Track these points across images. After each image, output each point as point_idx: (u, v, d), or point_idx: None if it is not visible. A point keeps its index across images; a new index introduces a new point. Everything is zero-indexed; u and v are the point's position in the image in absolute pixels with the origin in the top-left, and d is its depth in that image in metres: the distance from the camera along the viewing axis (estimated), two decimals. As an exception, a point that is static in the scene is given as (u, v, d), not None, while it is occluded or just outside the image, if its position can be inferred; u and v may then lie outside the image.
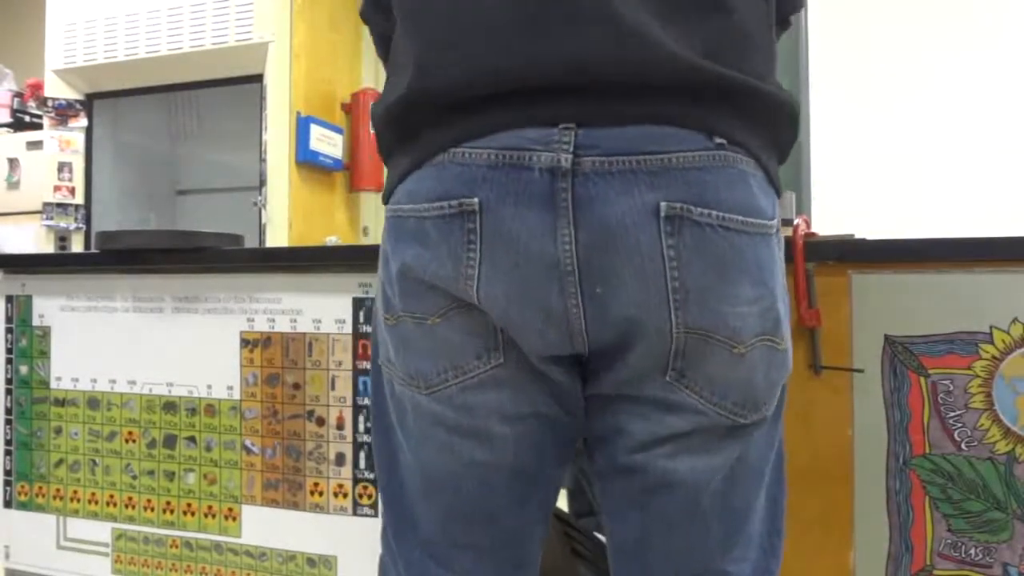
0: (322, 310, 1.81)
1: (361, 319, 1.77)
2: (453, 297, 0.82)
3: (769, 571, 0.94)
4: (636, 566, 0.89)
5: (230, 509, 1.88)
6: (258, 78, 3.62)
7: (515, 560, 0.94)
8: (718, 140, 0.76)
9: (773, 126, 0.82)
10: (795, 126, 0.84)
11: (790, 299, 0.89)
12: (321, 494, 1.80)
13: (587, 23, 0.77)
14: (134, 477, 1.98)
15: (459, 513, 0.90)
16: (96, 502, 2.01)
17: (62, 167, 3.89)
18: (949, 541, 1.26)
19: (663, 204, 0.74)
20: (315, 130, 3.72)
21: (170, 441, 1.95)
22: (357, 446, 1.77)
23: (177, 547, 1.93)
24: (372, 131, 0.95)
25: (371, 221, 4.30)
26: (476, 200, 0.78)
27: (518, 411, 0.85)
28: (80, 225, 3.92)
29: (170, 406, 1.95)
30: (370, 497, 1.76)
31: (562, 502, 1.67)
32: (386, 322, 0.90)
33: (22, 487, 2.09)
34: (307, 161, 3.68)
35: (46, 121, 3.94)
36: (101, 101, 4.02)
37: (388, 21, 0.94)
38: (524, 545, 0.94)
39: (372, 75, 4.30)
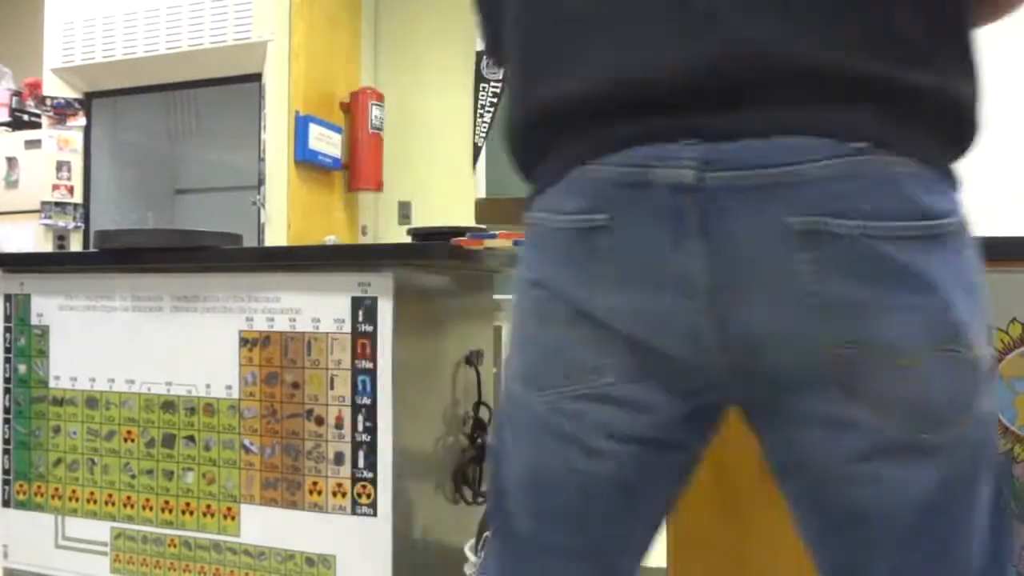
0: (321, 309, 1.81)
1: (360, 318, 1.77)
2: (579, 310, 0.82)
3: None
4: None
5: (229, 508, 1.88)
6: (257, 77, 3.61)
7: (608, 571, 0.91)
8: (857, 145, 0.71)
9: (935, 120, 0.74)
10: (963, 115, 0.76)
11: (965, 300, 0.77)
12: (320, 493, 1.80)
13: (706, 30, 0.74)
14: (133, 476, 1.97)
15: (556, 515, 0.89)
16: (95, 501, 2.01)
17: (60, 166, 3.88)
18: (948, 541, 1.26)
19: (794, 220, 0.71)
20: (314, 129, 3.72)
21: (169, 440, 1.95)
22: (356, 445, 1.77)
23: (176, 546, 1.93)
24: (508, 145, 0.91)
25: (370, 220, 4.30)
26: (604, 216, 0.78)
27: (626, 431, 0.84)
28: (79, 224, 3.92)
29: (169, 405, 1.95)
30: (368, 496, 1.76)
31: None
32: (513, 322, 0.92)
33: (20, 486, 2.09)
34: (306, 160, 3.68)
35: (44, 120, 3.94)
36: (100, 100, 4.02)
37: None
38: (619, 557, 0.92)
39: (371, 74, 4.30)
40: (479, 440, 2.15)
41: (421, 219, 4.19)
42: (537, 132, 0.85)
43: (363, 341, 1.76)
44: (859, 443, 0.77)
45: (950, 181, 0.75)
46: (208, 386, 1.91)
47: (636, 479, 0.87)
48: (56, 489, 2.05)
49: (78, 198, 3.95)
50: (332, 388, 1.79)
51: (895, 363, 0.74)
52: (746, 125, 0.73)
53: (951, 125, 0.76)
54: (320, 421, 1.80)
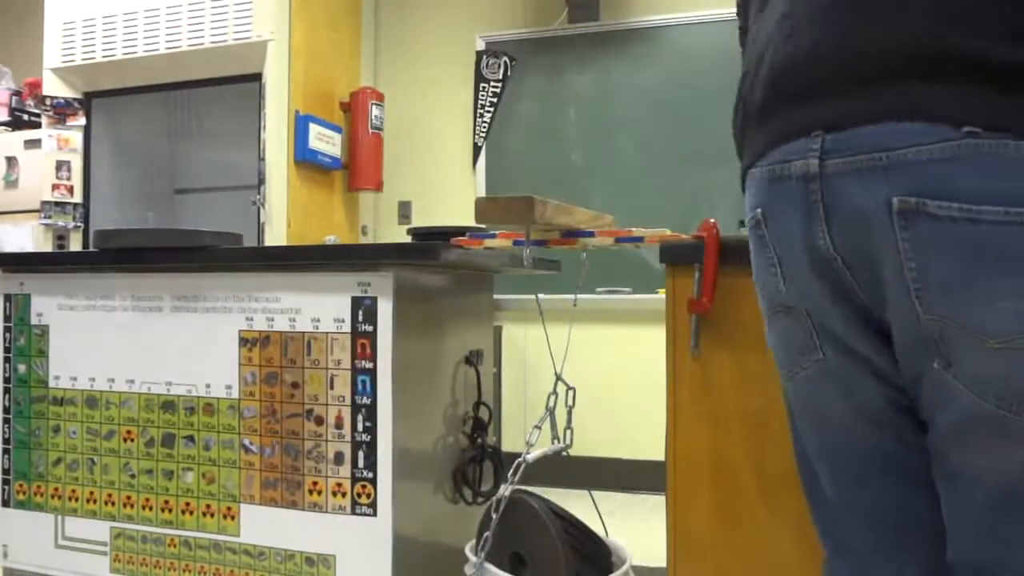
0: (321, 309, 1.80)
1: (360, 318, 1.77)
2: (775, 301, 0.95)
3: None
4: (950, 544, 0.90)
5: (229, 508, 1.88)
6: (257, 77, 3.61)
7: (897, 534, 0.95)
8: (967, 129, 0.72)
9: None
10: None
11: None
12: (320, 493, 1.80)
13: (827, 21, 0.82)
14: (132, 476, 1.97)
15: (850, 483, 0.98)
16: (94, 501, 2.01)
17: (60, 166, 3.88)
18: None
19: (895, 199, 0.76)
20: (314, 129, 3.71)
21: (168, 440, 1.94)
22: (356, 445, 1.77)
23: (176, 546, 1.93)
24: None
25: (370, 220, 4.30)
26: (760, 211, 0.90)
27: (847, 398, 0.92)
28: (78, 224, 3.91)
29: (168, 405, 1.94)
30: (368, 496, 1.76)
31: (561, 501, 1.67)
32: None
33: (20, 486, 2.09)
34: (306, 160, 3.68)
35: (44, 120, 3.93)
36: (99, 100, 4.01)
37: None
38: (902, 519, 0.95)
39: (371, 74, 4.30)
40: (479, 440, 2.15)
41: (421, 219, 4.19)
42: (736, 125, 1.02)
43: (363, 341, 1.76)
44: (956, 416, 0.81)
45: None
46: (208, 386, 1.91)
47: (875, 438, 0.94)
48: (56, 489, 2.05)
49: (78, 198, 3.95)
50: (332, 388, 1.79)
51: (984, 345, 0.76)
52: (863, 111, 0.79)
53: None
54: (320, 421, 1.79)
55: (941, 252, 0.75)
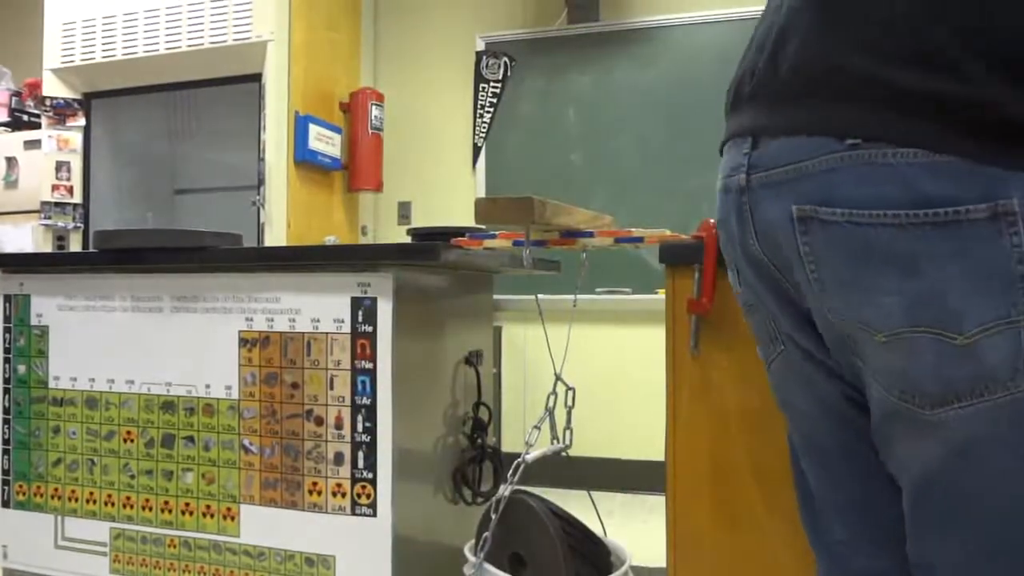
0: (320, 310, 1.80)
1: (359, 319, 1.77)
2: (740, 299, 1.04)
3: None
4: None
5: (228, 508, 1.88)
6: (256, 77, 3.61)
7: (868, 529, 0.98)
8: (850, 142, 0.79)
9: (926, 110, 0.77)
10: (946, 105, 0.76)
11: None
12: (320, 493, 1.80)
13: (763, 40, 0.91)
14: (132, 477, 1.97)
15: (822, 476, 1.02)
16: (94, 502, 2.01)
17: (60, 166, 3.88)
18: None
19: (794, 208, 0.84)
20: (313, 129, 3.71)
21: (168, 440, 1.94)
22: (355, 446, 1.76)
23: (175, 547, 1.93)
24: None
25: (370, 220, 4.29)
26: (719, 219, 0.99)
27: (809, 392, 0.97)
28: (78, 224, 3.91)
29: (168, 405, 1.94)
30: (368, 496, 1.76)
31: (561, 501, 1.67)
32: None
33: (20, 487, 2.09)
34: (305, 160, 3.68)
35: (44, 120, 3.93)
36: (99, 100, 4.01)
37: None
38: (871, 514, 0.98)
39: (370, 74, 4.30)
40: (479, 440, 2.15)
41: (421, 219, 4.19)
42: None
43: (363, 341, 1.76)
44: (876, 409, 0.86)
45: (981, 170, 0.75)
46: (208, 386, 1.91)
47: (834, 433, 0.98)
48: (56, 489, 2.05)
49: (78, 198, 3.95)
50: (332, 388, 1.79)
51: (873, 339, 0.81)
52: (774, 127, 0.87)
53: (965, 116, 0.76)
54: (320, 421, 1.79)
55: (833, 255, 0.82)
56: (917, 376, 0.79)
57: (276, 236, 3.58)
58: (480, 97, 4.07)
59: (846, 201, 0.79)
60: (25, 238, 3.94)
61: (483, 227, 1.73)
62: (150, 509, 1.95)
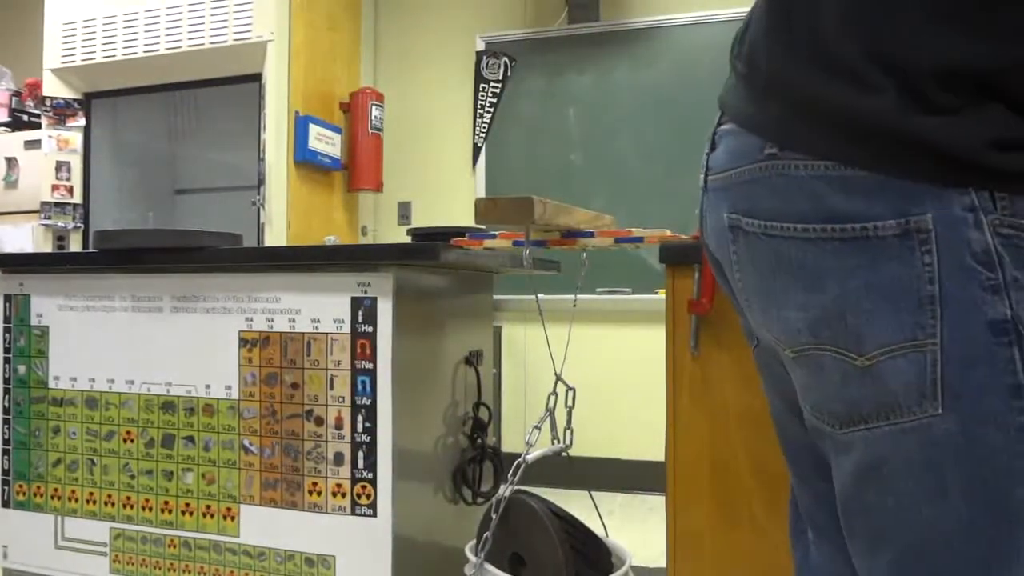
0: (321, 310, 1.80)
1: (359, 319, 1.77)
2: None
3: None
4: None
5: (228, 509, 1.88)
6: (256, 77, 3.61)
7: (834, 530, 0.96)
8: (768, 151, 0.78)
9: (836, 121, 0.75)
10: (864, 120, 0.73)
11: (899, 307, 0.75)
12: (319, 494, 1.80)
13: (755, 45, 0.86)
14: (132, 477, 1.97)
15: (795, 473, 1.02)
16: (94, 502, 2.01)
17: (60, 166, 3.88)
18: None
19: (726, 215, 0.84)
20: (313, 129, 3.71)
21: (168, 441, 1.94)
22: (356, 446, 1.76)
23: (175, 547, 1.93)
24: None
25: (370, 221, 4.29)
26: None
27: (777, 390, 0.97)
28: (78, 224, 3.91)
29: (168, 406, 1.94)
30: (368, 497, 1.76)
31: (561, 501, 1.67)
32: None
33: (20, 487, 2.09)
34: (305, 160, 3.68)
35: (44, 120, 3.93)
36: (99, 100, 4.01)
37: None
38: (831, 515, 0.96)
39: (371, 74, 4.30)
40: (479, 440, 2.15)
41: (421, 219, 4.19)
42: None
43: (363, 341, 1.76)
44: (806, 417, 0.83)
45: (892, 184, 0.72)
46: (208, 386, 1.91)
47: (794, 433, 0.98)
48: (56, 489, 2.05)
49: (78, 198, 3.95)
50: (332, 388, 1.79)
51: (783, 352, 0.81)
52: (721, 133, 0.87)
53: (876, 129, 0.73)
54: (320, 421, 1.79)
55: (753, 265, 0.82)
56: (824, 394, 0.78)
57: (276, 236, 3.58)
58: (480, 97, 4.07)
59: (763, 212, 0.78)
60: (25, 238, 3.94)
61: (483, 227, 1.73)
62: (150, 509, 1.95)
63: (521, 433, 3.36)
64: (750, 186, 0.80)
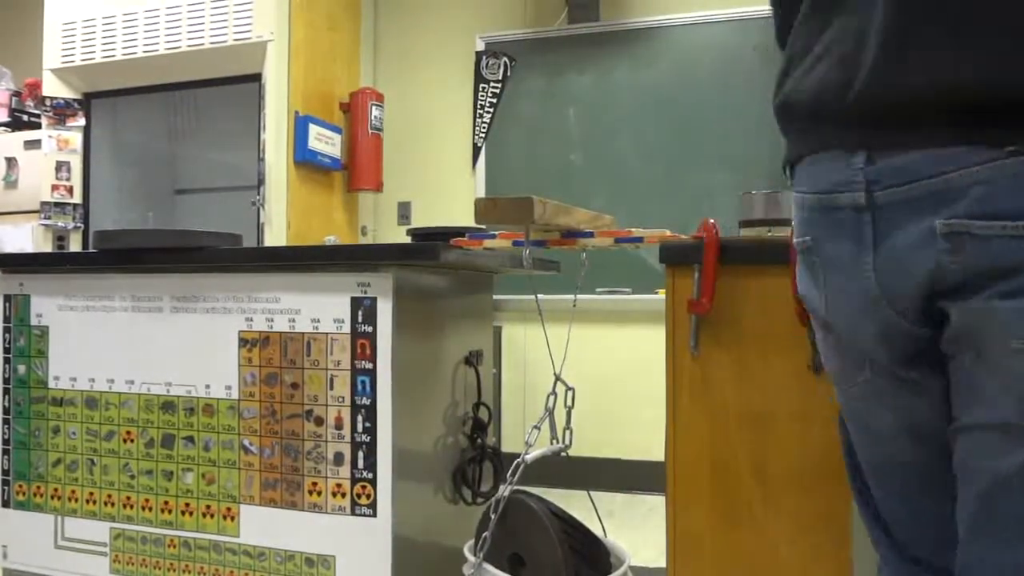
0: (320, 310, 1.80)
1: (359, 319, 1.77)
2: (818, 316, 0.97)
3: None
4: None
5: (228, 509, 1.88)
6: (256, 77, 3.61)
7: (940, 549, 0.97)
8: (1010, 148, 0.76)
9: None
10: None
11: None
12: (319, 494, 1.80)
13: (851, 49, 0.84)
14: (132, 477, 1.97)
15: (886, 492, 1.02)
16: (94, 502, 2.01)
17: (60, 166, 3.88)
18: (948, 541, 1.26)
19: (938, 223, 0.78)
20: (313, 129, 3.71)
21: (168, 441, 1.94)
22: (356, 446, 1.76)
23: (175, 547, 1.93)
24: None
25: (369, 221, 4.29)
26: (809, 239, 0.92)
27: (892, 413, 0.95)
28: (78, 224, 3.91)
29: (168, 406, 1.94)
30: (368, 497, 1.76)
31: (560, 501, 1.67)
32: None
33: (20, 487, 2.09)
34: (305, 160, 3.68)
35: (44, 120, 3.93)
36: (99, 100, 4.01)
37: None
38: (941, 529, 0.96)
39: (371, 74, 4.30)
40: (479, 440, 2.15)
41: (421, 219, 4.19)
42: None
43: (363, 341, 1.76)
44: (982, 407, 0.83)
45: None
46: (208, 386, 1.91)
47: (918, 454, 0.96)
48: (55, 489, 2.05)
49: (78, 198, 3.95)
50: (331, 388, 1.79)
51: (1010, 345, 0.78)
52: (904, 140, 0.81)
53: None
54: (320, 421, 1.79)
55: (984, 268, 0.78)
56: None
57: (276, 236, 3.58)
58: (480, 97, 4.07)
59: (1008, 212, 0.75)
60: (25, 238, 3.94)
61: (483, 227, 1.73)
62: (150, 509, 1.95)
63: (521, 433, 3.36)
64: (985, 187, 0.77)
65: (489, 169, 4.08)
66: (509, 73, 4.03)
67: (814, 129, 0.90)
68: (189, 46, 3.65)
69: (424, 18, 4.26)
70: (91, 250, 2.33)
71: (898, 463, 0.98)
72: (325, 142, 3.82)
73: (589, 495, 1.82)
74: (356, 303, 1.77)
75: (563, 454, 1.75)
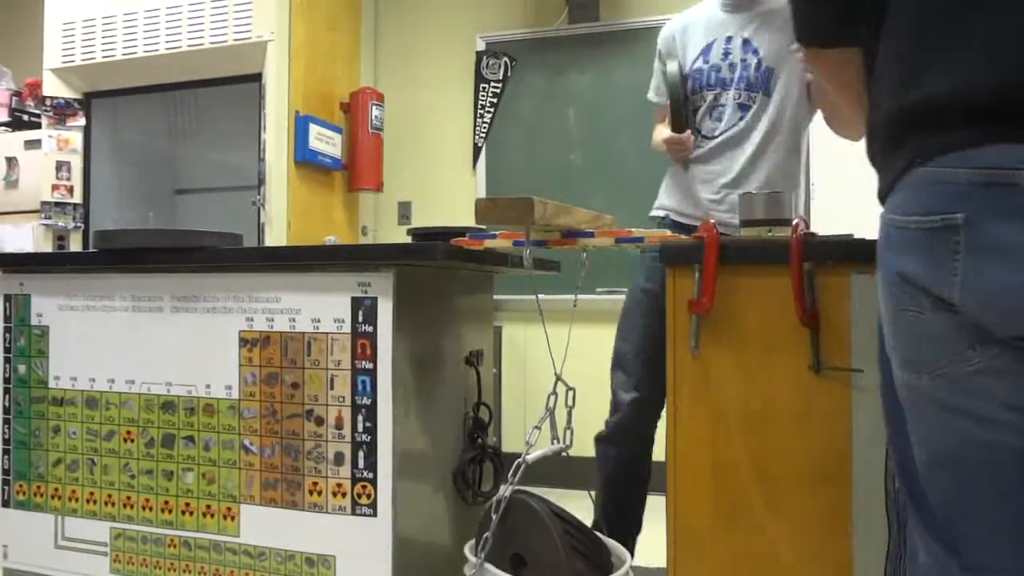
0: (321, 310, 1.80)
1: (360, 318, 1.77)
2: (933, 294, 0.89)
3: None
4: None
5: (228, 508, 1.88)
6: (257, 77, 3.61)
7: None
8: None
9: None
10: None
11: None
12: (320, 493, 1.80)
13: None
14: (132, 476, 1.97)
15: (966, 491, 0.94)
16: (94, 501, 2.01)
17: (60, 166, 3.88)
18: (949, 541, 1.26)
19: None
20: (314, 129, 3.71)
21: (168, 440, 1.94)
22: (356, 445, 1.76)
23: (176, 546, 1.93)
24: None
25: (370, 220, 4.29)
26: (961, 216, 0.85)
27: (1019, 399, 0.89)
28: (78, 224, 3.91)
29: (168, 405, 1.94)
30: (368, 496, 1.76)
31: (561, 501, 1.67)
32: (887, 315, 0.97)
33: (20, 486, 2.09)
34: (306, 160, 3.68)
35: (44, 120, 3.93)
36: (99, 100, 4.01)
37: None
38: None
39: (371, 74, 4.30)
40: (479, 440, 2.15)
41: (421, 219, 4.19)
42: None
43: (363, 341, 1.76)
44: None
45: None
46: (208, 386, 1.91)
47: None
48: (56, 489, 2.05)
49: (78, 198, 3.95)
50: (332, 388, 1.79)
51: None
52: None
53: None
54: (320, 421, 1.79)
55: None
56: None
57: (276, 236, 3.58)
58: (480, 97, 4.07)
59: None
60: (25, 238, 3.94)
61: (483, 227, 1.73)
62: (150, 509, 1.95)
63: (521, 433, 3.36)
64: None
65: (489, 169, 4.08)
66: (509, 73, 4.03)
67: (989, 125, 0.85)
68: (189, 46, 3.65)
69: (424, 18, 4.26)
70: (91, 250, 2.33)
71: (1004, 448, 0.91)
72: (325, 142, 3.82)
73: (590, 495, 1.82)
74: (356, 303, 1.77)
75: (564, 454, 1.75)
